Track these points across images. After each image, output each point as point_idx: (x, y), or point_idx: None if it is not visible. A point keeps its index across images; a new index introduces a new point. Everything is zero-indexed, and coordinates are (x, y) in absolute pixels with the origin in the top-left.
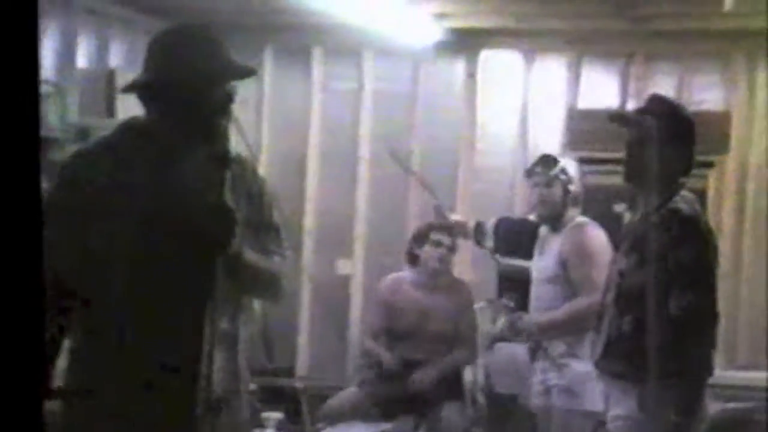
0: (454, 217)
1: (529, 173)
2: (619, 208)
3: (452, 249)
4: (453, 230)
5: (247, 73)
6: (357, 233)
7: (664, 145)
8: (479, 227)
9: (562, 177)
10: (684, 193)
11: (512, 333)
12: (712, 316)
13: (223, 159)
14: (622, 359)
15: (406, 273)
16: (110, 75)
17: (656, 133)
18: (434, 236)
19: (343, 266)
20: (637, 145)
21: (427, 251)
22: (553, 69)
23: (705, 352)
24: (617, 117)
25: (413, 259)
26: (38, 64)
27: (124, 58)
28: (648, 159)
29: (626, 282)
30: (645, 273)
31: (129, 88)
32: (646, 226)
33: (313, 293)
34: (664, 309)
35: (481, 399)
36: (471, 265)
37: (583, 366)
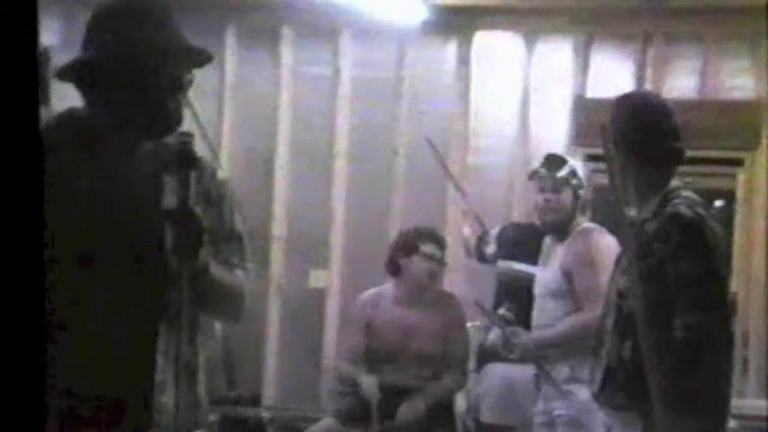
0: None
1: (533, 176)
2: (634, 212)
3: (443, 263)
4: (444, 242)
5: (204, 59)
6: (333, 240)
7: (642, 148)
8: (483, 237)
9: (573, 181)
10: (686, 193)
11: (506, 349)
12: (725, 337)
13: (184, 157)
14: (623, 390)
15: (388, 286)
16: (43, 56)
17: (625, 144)
18: (425, 248)
19: (317, 278)
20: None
21: (416, 264)
22: (558, 53)
23: (721, 377)
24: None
25: (396, 270)
26: (38, 65)
27: (60, 37)
28: (626, 166)
29: (626, 303)
30: (644, 291)
31: (65, 71)
32: (644, 237)
33: (282, 309)
34: (666, 331)
35: (473, 430)
36: (463, 277)
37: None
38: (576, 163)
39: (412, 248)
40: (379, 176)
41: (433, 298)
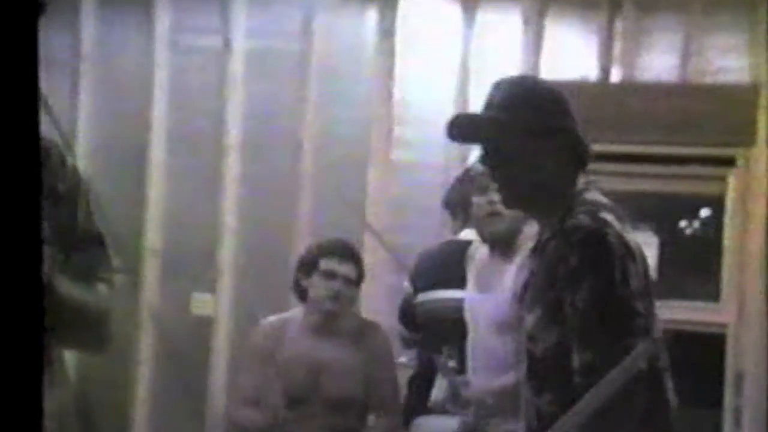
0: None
1: (466, 175)
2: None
3: (353, 281)
4: (355, 256)
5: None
6: (222, 256)
7: (527, 143)
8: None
9: None
10: (589, 196)
11: (456, 405)
12: (632, 379)
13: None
14: None
15: (296, 312)
16: None
17: (509, 136)
18: (325, 264)
19: (201, 304)
20: (497, 156)
21: (315, 285)
22: (504, 24)
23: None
24: (457, 125)
25: (302, 294)
26: (38, 64)
27: None
28: (516, 171)
29: (541, 347)
30: (549, 329)
31: None
32: (547, 261)
33: (156, 342)
34: (569, 377)
35: None
36: (389, 302)
37: None
38: None
39: (312, 266)
40: (280, 175)
41: (352, 328)
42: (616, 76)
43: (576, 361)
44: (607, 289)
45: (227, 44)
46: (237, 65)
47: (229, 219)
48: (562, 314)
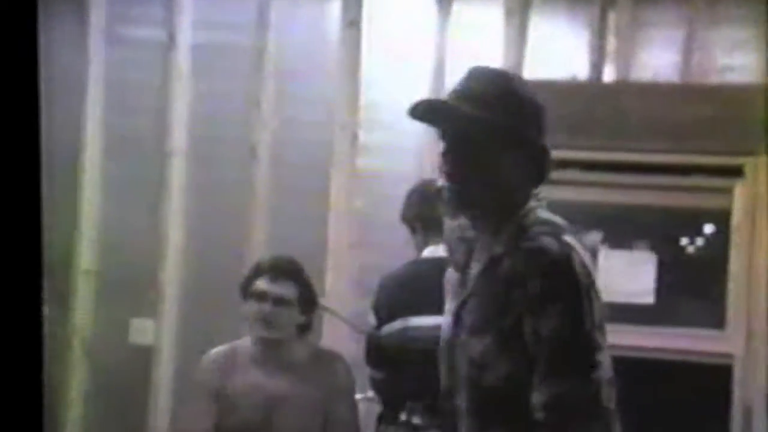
0: None
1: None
2: (595, 237)
3: (289, 302)
4: (296, 273)
5: None
6: (165, 277)
7: (493, 147)
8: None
9: None
10: (543, 215)
11: None
12: (593, 415)
13: None
14: None
15: (245, 341)
16: None
17: (479, 132)
18: (256, 285)
19: (140, 331)
20: (457, 154)
21: (248, 308)
22: (484, 17)
23: None
24: (420, 110)
25: (247, 320)
26: (38, 64)
27: None
28: (473, 172)
29: (488, 377)
30: (502, 357)
31: None
32: (498, 283)
33: (89, 374)
34: (526, 411)
35: None
36: (344, 329)
37: None
38: None
39: (246, 287)
40: (231, 185)
41: (305, 358)
42: (609, 75)
43: (539, 395)
44: (575, 320)
45: (171, 38)
46: (182, 61)
47: (173, 234)
48: (518, 343)
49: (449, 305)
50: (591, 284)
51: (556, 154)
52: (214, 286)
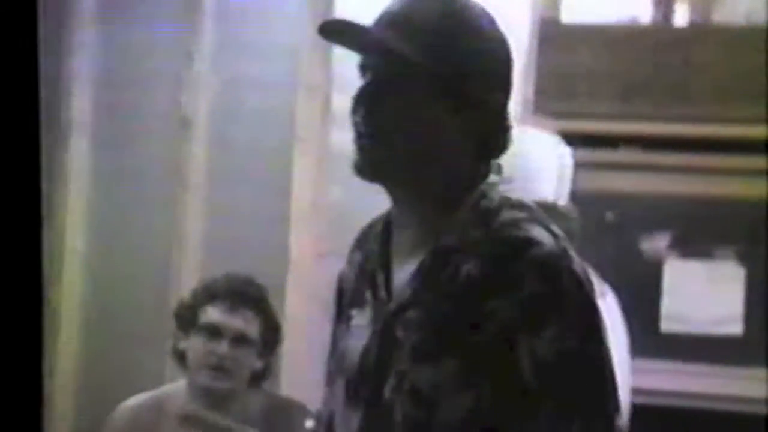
0: None
1: None
2: (659, 243)
3: (250, 340)
4: (257, 299)
5: None
6: (62, 303)
7: (426, 99)
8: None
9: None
10: (513, 199)
11: None
12: None
13: None
14: None
15: (176, 389)
16: None
17: (409, 76)
18: (207, 315)
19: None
20: (376, 101)
21: (193, 347)
22: None
23: None
24: (334, 33)
25: (183, 361)
26: (38, 64)
27: None
28: (402, 130)
29: (435, 415)
30: (467, 389)
31: None
32: (457, 286)
33: None
34: None
35: None
36: (313, 368)
37: None
38: (543, 150)
39: (190, 318)
40: (151, 171)
41: (264, 413)
42: (681, 17)
43: None
44: (593, 339)
45: None
46: None
47: (73, 242)
48: (492, 367)
49: (359, 320)
50: (594, 293)
51: (605, 126)
52: (127, 315)
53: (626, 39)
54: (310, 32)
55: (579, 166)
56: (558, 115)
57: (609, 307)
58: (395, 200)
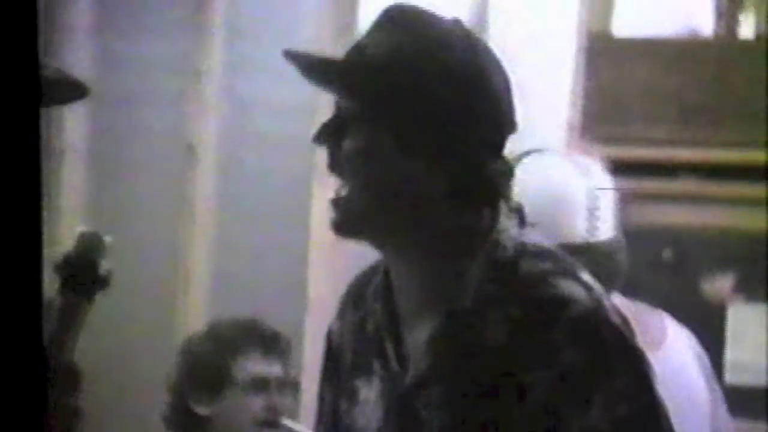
0: None
1: None
2: (722, 284)
3: (288, 384)
4: (288, 344)
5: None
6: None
7: (404, 137)
8: None
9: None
10: (525, 239)
11: None
12: None
13: None
14: None
15: None
16: None
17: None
18: (245, 367)
19: None
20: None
21: (233, 408)
22: None
23: None
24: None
25: (192, 426)
26: (38, 64)
27: None
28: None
29: None
30: None
31: None
32: (468, 355)
33: None
34: None
35: None
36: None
37: None
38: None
39: (217, 376)
40: (154, 202)
41: None
42: (747, 28)
43: None
44: (649, 405)
45: None
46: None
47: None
48: None
49: (367, 393)
50: (642, 351)
51: (662, 153)
52: (127, 358)
53: (685, 54)
54: (330, 51)
55: (631, 197)
56: (608, 141)
57: (673, 349)
58: (387, 256)
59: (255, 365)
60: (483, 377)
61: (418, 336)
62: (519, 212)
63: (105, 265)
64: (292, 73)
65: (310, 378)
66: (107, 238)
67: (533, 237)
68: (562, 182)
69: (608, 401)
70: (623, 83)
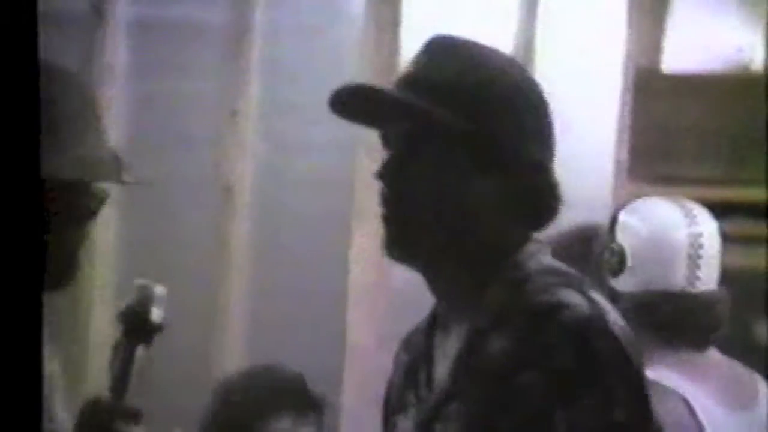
0: None
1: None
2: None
3: None
4: (323, 401)
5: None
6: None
7: (460, 162)
8: None
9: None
10: (546, 261)
11: None
12: None
13: None
14: None
15: None
16: None
17: (438, 138)
18: (277, 427)
19: None
20: (400, 172)
21: None
22: None
23: None
24: (344, 102)
25: None
26: (38, 65)
27: None
28: (431, 201)
29: None
30: None
31: None
32: (483, 369)
33: None
34: None
35: None
36: None
37: None
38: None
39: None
40: (189, 248)
41: None
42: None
43: None
44: (638, 409)
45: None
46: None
47: (101, 324)
48: None
49: (403, 425)
50: (641, 364)
51: (713, 193)
52: (161, 403)
53: (736, 90)
54: (371, 81)
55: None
56: (656, 180)
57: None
58: (431, 286)
59: (285, 427)
60: (488, 387)
61: (446, 362)
62: (620, 254)
63: (158, 313)
64: (328, 113)
65: (349, 423)
66: (159, 289)
67: (558, 263)
68: (666, 227)
69: (599, 406)
70: (672, 120)
